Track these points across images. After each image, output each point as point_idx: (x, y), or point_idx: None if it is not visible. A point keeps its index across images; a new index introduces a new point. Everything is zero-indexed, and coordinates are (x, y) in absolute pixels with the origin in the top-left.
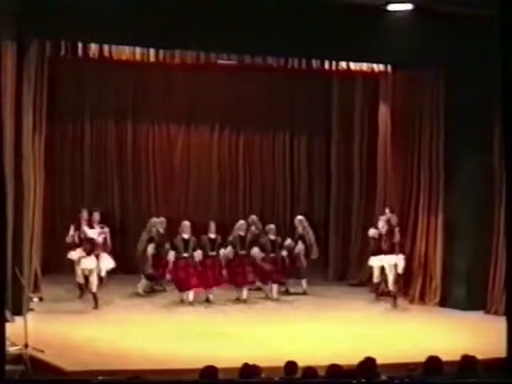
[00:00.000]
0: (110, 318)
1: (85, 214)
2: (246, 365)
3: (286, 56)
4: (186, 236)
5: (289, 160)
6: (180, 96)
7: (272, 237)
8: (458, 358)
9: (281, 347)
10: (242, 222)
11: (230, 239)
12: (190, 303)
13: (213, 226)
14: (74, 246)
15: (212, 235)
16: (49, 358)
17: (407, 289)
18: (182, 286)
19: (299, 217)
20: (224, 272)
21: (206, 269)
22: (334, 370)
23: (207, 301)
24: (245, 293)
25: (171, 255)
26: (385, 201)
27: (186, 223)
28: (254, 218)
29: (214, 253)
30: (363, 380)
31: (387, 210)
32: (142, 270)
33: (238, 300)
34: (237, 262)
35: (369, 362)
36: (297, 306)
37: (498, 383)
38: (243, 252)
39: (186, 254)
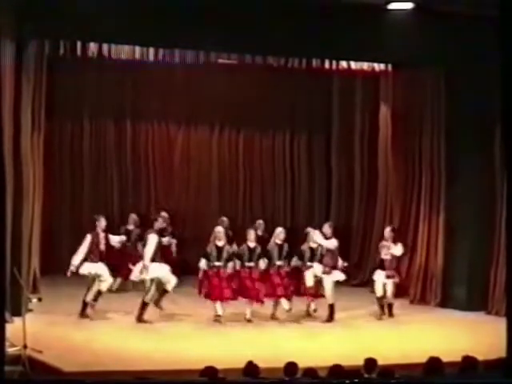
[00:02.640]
0: (109, 319)
1: (102, 223)
2: (249, 363)
3: (286, 55)
4: (220, 243)
5: (289, 160)
6: (180, 95)
7: (313, 244)
8: (458, 358)
9: (281, 348)
10: (280, 229)
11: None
12: (218, 316)
13: (252, 233)
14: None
15: (251, 244)
16: (47, 358)
17: (408, 289)
18: (213, 297)
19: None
20: (260, 285)
21: (244, 281)
22: (337, 370)
23: (248, 320)
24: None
25: (203, 264)
26: (386, 201)
27: (220, 229)
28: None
29: (252, 263)
30: (363, 380)
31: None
32: None
33: (273, 317)
34: (273, 273)
35: (370, 362)
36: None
37: (498, 383)
38: (280, 263)
39: (218, 263)
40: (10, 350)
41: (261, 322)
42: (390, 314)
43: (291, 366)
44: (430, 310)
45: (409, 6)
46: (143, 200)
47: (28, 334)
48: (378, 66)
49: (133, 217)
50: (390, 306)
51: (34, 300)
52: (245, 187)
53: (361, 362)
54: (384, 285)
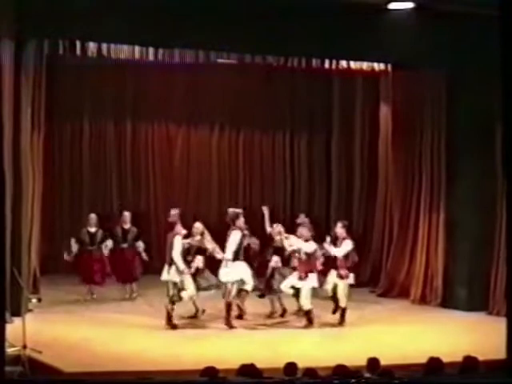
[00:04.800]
0: (109, 319)
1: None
2: (243, 365)
3: (286, 55)
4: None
5: (289, 160)
6: (179, 95)
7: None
8: (459, 358)
9: (281, 348)
10: (275, 224)
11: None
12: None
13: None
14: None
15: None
16: (47, 358)
17: (409, 289)
18: None
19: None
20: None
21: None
22: (340, 370)
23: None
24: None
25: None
26: (386, 201)
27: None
28: None
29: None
30: (363, 380)
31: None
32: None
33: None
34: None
35: (373, 362)
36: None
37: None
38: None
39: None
40: (9, 351)
41: (260, 322)
42: (341, 321)
43: (291, 366)
44: (430, 310)
45: (409, 5)
46: (143, 200)
47: (28, 335)
48: (378, 66)
49: (93, 217)
50: (343, 311)
51: (34, 300)
52: (245, 187)
53: (361, 363)
54: (335, 286)
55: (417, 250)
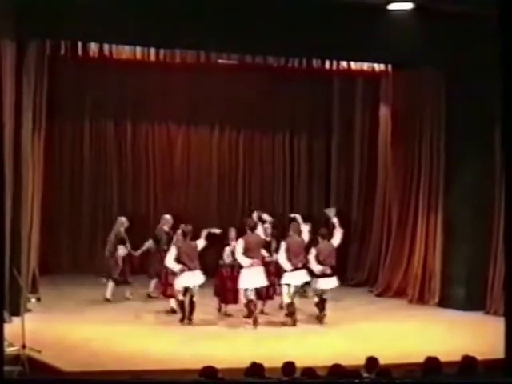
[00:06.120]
0: (108, 319)
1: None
2: (253, 364)
3: (286, 55)
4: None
5: (289, 160)
6: (180, 95)
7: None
8: (457, 358)
9: (280, 347)
10: (266, 224)
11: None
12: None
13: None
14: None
15: (268, 238)
16: (46, 358)
17: (407, 289)
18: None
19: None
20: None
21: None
22: (336, 370)
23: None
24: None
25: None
26: (384, 201)
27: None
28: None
29: (270, 258)
30: (363, 380)
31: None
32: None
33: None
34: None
35: (372, 361)
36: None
37: (497, 383)
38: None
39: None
40: (8, 350)
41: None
42: (320, 318)
43: (289, 366)
44: (428, 309)
45: (409, 6)
46: (143, 200)
47: (27, 334)
48: (378, 66)
49: (121, 220)
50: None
51: (33, 300)
52: (244, 187)
53: (359, 362)
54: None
55: (415, 250)
